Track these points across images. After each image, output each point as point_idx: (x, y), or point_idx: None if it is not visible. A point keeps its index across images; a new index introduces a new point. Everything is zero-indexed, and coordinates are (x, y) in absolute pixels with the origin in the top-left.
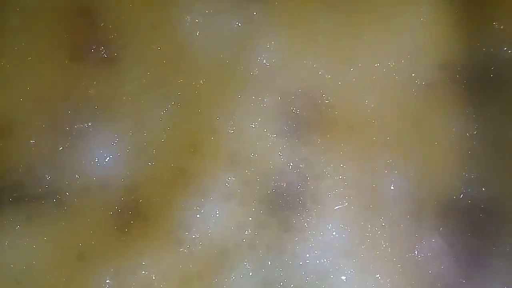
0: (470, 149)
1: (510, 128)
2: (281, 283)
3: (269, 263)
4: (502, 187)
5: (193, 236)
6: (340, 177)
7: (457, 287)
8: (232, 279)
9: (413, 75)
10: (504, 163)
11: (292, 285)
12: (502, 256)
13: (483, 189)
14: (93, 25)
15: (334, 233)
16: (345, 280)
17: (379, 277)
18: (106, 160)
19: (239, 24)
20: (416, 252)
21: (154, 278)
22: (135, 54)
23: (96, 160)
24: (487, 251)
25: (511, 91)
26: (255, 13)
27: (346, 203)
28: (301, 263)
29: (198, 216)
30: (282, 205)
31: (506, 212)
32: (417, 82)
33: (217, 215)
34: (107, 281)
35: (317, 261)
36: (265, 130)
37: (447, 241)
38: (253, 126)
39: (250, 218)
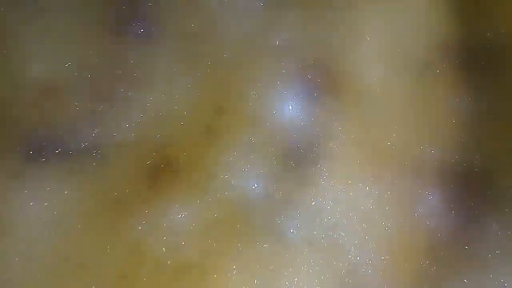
0: (465, 119)
1: (502, 102)
2: (294, 232)
3: (285, 213)
4: (493, 153)
5: (219, 187)
6: (349, 135)
7: (454, 235)
8: (251, 225)
9: (413, 51)
10: (494, 132)
11: (302, 234)
12: (494, 210)
13: (476, 156)
14: (134, 2)
15: (343, 189)
16: (352, 231)
17: (386, 227)
18: (142, 119)
19: (261, 4)
20: (416, 206)
21: (183, 221)
22: (170, 29)
23: (133, 120)
24: (482, 207)
25: (506, 71)
26: None
27: (356, 160)
28: (313, 214)
29: (223, 169)
30: (299, 162)
31: (496, 175)
32: (417, 58)
33: (241, 169)
34: (143, 222)
35: (328, 214)
36: (285, 92)
37: (445, 197)
38: (273, 90)
39: (270, 173)
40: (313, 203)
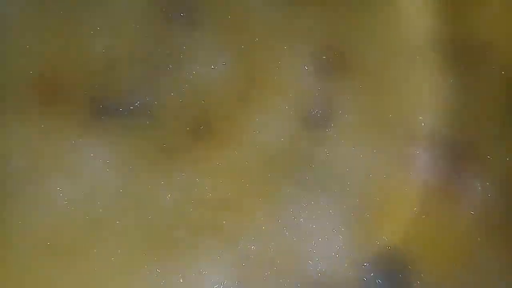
0: (449, 96)
1: (482, 84)
2: (309, 179)
3: (303, 164)
4: (473, 128)
5: (251, 143)
6: (355, 105)
7: (440, 187)
8: (276, 173)
9: (406, 39)
10: (475, 109)
11: (317, 181)
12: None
13: (459, 127)
14: None
15: (351, 147)
16: (358, 180)
17: (385, 177)
18: (187, 88)
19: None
20: (409, 162)
21: (221, 167)
22: (211, 17)
23: (180, 88)
24: (463, 167)
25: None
26: None
27: (361, 125)
28: (326, 166)
29: (254, 127)
30: (315, 123)
31: (476, 144)
32: (410, 45)
33: (267, 130)
34: (188, 167)
35: (338, 166)
36: (305, 68)
37: (432, 157)
38: (294, 67)
39: (291, 131)
40: (326, 156)
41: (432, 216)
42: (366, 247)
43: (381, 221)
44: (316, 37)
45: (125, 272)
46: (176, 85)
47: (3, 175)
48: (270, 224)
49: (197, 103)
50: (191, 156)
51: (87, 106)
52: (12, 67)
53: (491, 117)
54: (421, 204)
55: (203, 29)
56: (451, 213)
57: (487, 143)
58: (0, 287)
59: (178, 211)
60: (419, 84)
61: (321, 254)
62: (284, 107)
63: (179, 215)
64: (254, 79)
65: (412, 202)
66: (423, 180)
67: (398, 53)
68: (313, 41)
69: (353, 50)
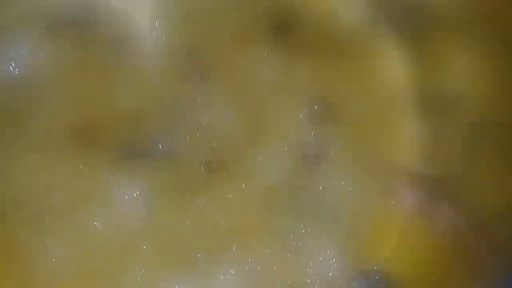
0: (422, 140)
1: (451, 130)
2: (306, 207)
3: (299, 199)
4: (444, 165)
5: (256, 178)
6: (344, 147)
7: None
8: (276, 203)
9: (386, 90)
10: (444, 150)
11: (311, 209)
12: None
13: (430, 166)
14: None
15: (342, 183)
16: (346, 209)
17: (370, 207)
18: (200, 136)
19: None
20: (390, 195)
21: (230, 200)
22: (221, 76)
23: (193, 135)
24: (436, 195)
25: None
26: None
27: (350, 164)
28: (319, 200)
29: (259, 168)
30: (309, 163)
31: (445, 180)
32: (388, 95)
33: (269, 167)
34: (199, 204)
35: (330, 200)
36: (301, 116)
37: (410, 187)
38: (291, 115)
39: (290, 171)
40: (320, 190)
41: (412, 240)
42: (356, 267)
43: (368, 245)
44: (309, 90)
45: None
46: (192, 131)
47: (45, 207)
48: (274, 248)
49: (210, 146)
50: (206, 190)
51: (118, 149)
52: (56, 116)
53: (458, 156)
54: (402, 230)
55: (215, 85)
56: (428, 238)
57: (455, 178)
58: None
59: (195, 236)
60: (397, 128)
61: (317, 274)
62: (283, 148)
63: (196, 240)
64: (258, 125)
65: (394, 228)
66: (403, 209)
67: (379, 103)
68: (307, 93)
69: (340, 101)
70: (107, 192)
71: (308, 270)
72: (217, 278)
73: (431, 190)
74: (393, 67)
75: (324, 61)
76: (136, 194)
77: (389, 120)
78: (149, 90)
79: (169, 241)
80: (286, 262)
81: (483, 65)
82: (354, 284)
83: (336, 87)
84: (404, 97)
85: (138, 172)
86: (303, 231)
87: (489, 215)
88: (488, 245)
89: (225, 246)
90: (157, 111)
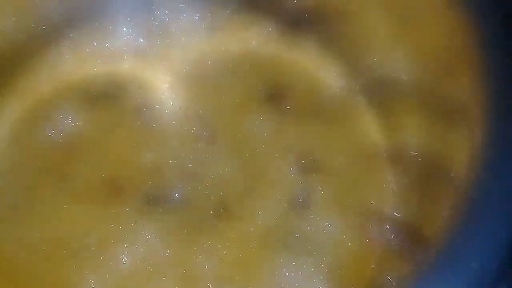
0: (393, 189)
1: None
2: (296, 246)
3: (291, 237)
4: (411, 209)
5: (255, 220)
6: (328, 195)
7: (390, 246)
8: (273, 244)
9: (361, 148)
10: (412, 197)
11: (305, 245)
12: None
13: (400, 210)
14: None
15: (326, 223)
16: (331, 244)
17: (350, 243)
18: (209, 185)
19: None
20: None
21: (234, 238)
22: (225, 136)
23: (203, 186)
24: (405, 234)
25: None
26: None
27: (334, 209)
28: (307, 238)
29: (257, 211)
30: (298, 207)
31: (412, 222)
32: (364, 152)
33: (266, 211)
34: (209, 242)
35: (317, 238)
36: (291, 169)
37: (383, 227)
38: (283, 168)
39: (282, 214)
40: (308, 229)
41: (386, 270)
42: None
43: (349, 276)
44: (297, 148)
45: None
46: (202, 182)
47: (83, 246)
48: (270, 279)
49: (217, 194)
50: (214, 230)
51: (142, 198)
52: (92, 171)
53: (425, 203)
54: (377, 262)
55: (220, 145)
56: (398, 269)
57: (422, 222)
58: None
59: (206, 269)
60: (371, 178)
61: None
62: (277, 195)
63: (207, 271)
64: (256, 177)
65: (370, 261)
66: (378, 246)
67: (356, 157)
68: (295, 150)
69: (323, 156)
70: (134, 233)
71: None
72: None
73: (399, 230)
74: (366, 127)
75: (309, 124)
76: (157, 234)
77: (365, 172)
78: (167, 149)
79: (184, 273)
80: None
81: (431, 126)
82: None
83: (320, 145)
84: (377, 152)
85: (158, 216)
86: (294, 263)
87: None
88: None
89: (230, 277)
90: (174, 166)
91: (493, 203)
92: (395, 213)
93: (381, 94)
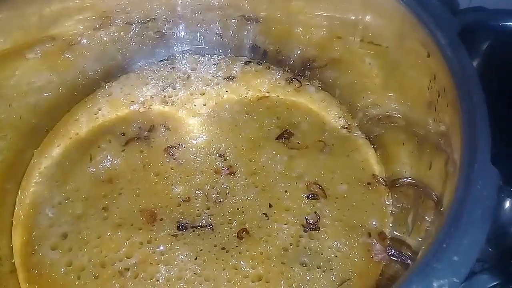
0: (391, 210)
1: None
2: (308, 262)
3: (303, 255)
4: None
5: (272, 241)
6: (334, 217)
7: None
8: (289, 260)
9: (361, 176)
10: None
11: (313, 262)
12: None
13: (398, 229)
14: None
15: (334, 242)
16: (339, 260)
17: (356, 259)
18: (231, 212)
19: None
20: (369, 250)
21: (255, 257)
22: (244, 170)
23: (226, 213)
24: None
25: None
26: None
27: (338, 229)
28: (317, 255)
29: (274, 233)
30: (309, 229)
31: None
32: (363, 180)
33: (281, 233)
34: (233, 260)
35: (326, 254)
36: (302, 195)
37: (383, 244)
38: (295, 195)
39: (296, 234)
40: (318, 247)
41: (389, 278)
42: None
43: (355, 285)
44: (307, 177)
45: None
46: (225, 209)
47: (125, 266)
48: None
49: (238, 219)
50: (237, 250)
51: (174, 224)
52: (130, 202)
53: (419, 224)
54: (379, 274)
55: (239, 176)
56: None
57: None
58: None
59: (232, 283)
60: (371, 203)
61: None
62: (290, 218)
63: (232, 284)
64: (272, 204)
65: (375, 273)
66: (380, 259)
67: (357, 184)
68: (305, 179)
69: (329, 184)
70: (168, 254)
71: None
72: None
73: (398, 248)
74: (366, 158)
75: (316, 157)
76: (188, 255)
77: (366, 197)
78: (193, 182)
79: (214, 287)
80: None
81: (419, 155)
82: None
83: (326, 174)
84: (375, 180)
85: (189, 240)
86: (308, 278)
87: None
88: None
89: None
90: (200, 197)
91: (467, 216)
92: (394, 232)
93: (376, 130)
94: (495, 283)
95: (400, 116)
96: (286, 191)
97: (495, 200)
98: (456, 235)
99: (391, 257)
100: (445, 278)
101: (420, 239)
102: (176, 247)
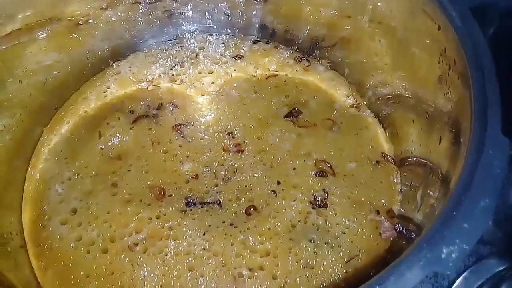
0: (398, 186)
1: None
2: (316, 238)
3: (311, 231)
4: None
5: (280, 217)
6: (342, 194)
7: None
8: (296, 236)
9: (368, 154)
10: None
11: (322, 240)
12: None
13: (405, 207)
14: None
15: (342, 219)
16: (347, 237)
17: (364, 236)
18: (240, 189)
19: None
20: (377, 225)
21: (263, 232)
22: (252, 148)
23: (235, 189)
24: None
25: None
26: None
27: (346, 206)
28: (325, 232)
29: (281, 209)
30: (317, 205)
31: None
32: (370, 157)
33: (289, 209)
34: (241, 235)
35: (334, 231)
36: (310, 172)
37: (391, 222)
38: (303, 173)
39: (304, 211)
40: (326, 224)
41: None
42: (356, 278)
43: (365, 264)
44: (315, 155)
45: None
46: (233, 186)
47: (134, 241)
48: (296, 267)
49: (247, 196)
50: (245, 226)
51: (182, 201)
52: (139, 179)
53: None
54: (388, 250)
55: (247, 154)
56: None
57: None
58: None
59: (240, 258)
60: (379, 180)
61: (327, 286)
62: (299, 195)
63: (241, 260)
64: (280, 180)
65: (382, 250)
66: (388, 236)
67: (365, 162)
68: (313, 157)
69: (336, 162)
70: (177, 230)
71: (320, 283)
72: None
73: (407, 225)
74: (373, 137)
75: (325, 135)
76: (197, 230)
77: (374, 175)
78: (201, 159)
79: (222, 262)
80: (306, 277)
81: (427, 134)
82: None
83: (334, 153)
84: (384, 158)
85: (197, 216)
86: (315, 254)
87: None
88: None
89: (261, 266)
90: (208, 174)
91: (478, 184)
92: (402, 210)
93: (385, 108)
94: (503, 267)
95: (410, 95)
96: (294, 169)
97: (506, 169)
98: (466, 202)
99: (400, 235)
100: (455, 245)
101: (429, 216)
102: (185, 223)
